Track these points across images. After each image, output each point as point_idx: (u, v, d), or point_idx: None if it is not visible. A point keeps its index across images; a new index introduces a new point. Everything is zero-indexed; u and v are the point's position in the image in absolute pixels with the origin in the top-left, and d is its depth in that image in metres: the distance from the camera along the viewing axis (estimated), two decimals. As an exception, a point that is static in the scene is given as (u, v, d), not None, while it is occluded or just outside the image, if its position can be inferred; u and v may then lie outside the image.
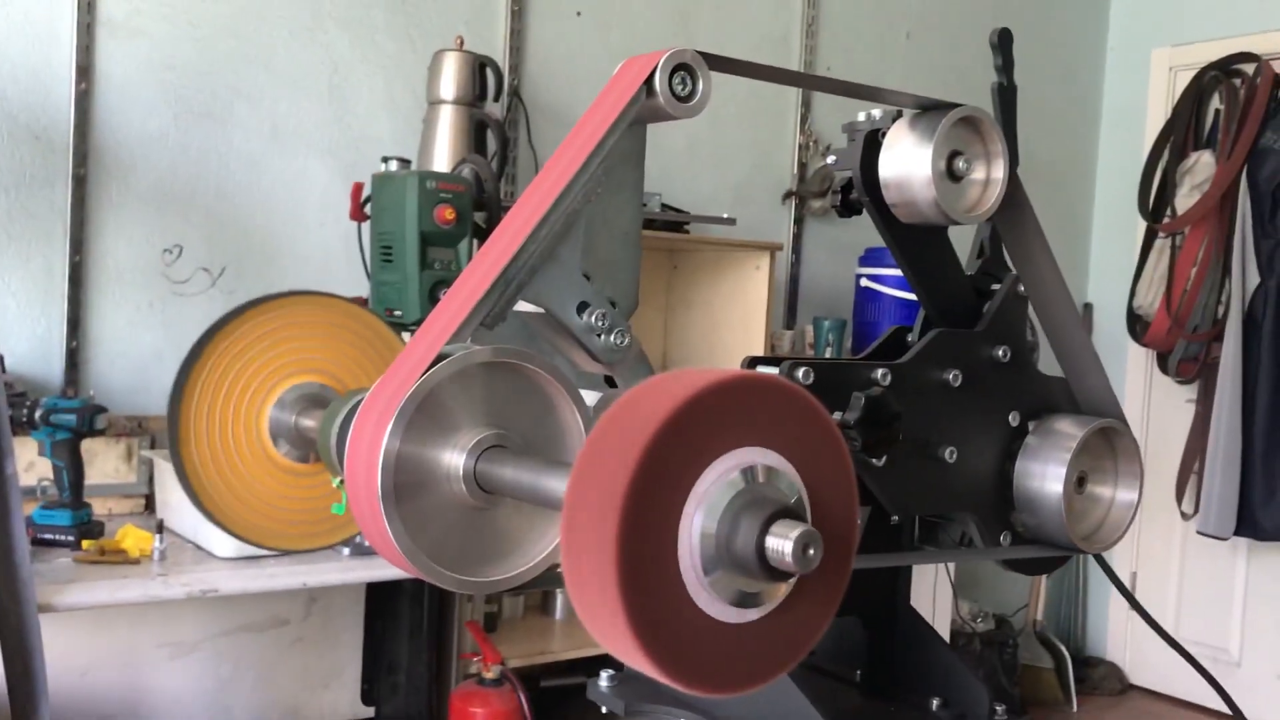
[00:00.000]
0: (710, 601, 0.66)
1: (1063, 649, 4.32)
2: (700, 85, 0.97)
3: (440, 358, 0.84)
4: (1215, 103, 4.15)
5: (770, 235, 3.70)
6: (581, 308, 0.99)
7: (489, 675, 2.63)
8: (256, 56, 2.87)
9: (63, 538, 2.20)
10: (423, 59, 3.05)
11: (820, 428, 0.70)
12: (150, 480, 2.56)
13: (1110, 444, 1.26)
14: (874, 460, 1.11)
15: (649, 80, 0.95)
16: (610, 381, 1.02)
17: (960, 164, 1.14)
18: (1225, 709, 1.47)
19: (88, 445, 2.35)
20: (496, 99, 3.01)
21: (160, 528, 2.22)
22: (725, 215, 3.33)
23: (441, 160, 2.88)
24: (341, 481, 0.98)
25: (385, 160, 2.54)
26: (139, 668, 2.63)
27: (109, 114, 2.69)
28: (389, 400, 0.84)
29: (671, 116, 0.97)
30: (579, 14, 3.37)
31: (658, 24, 3.53)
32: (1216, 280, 3.98)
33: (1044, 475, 1.21)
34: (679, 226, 3.22)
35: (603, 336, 1.00)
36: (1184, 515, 4.15)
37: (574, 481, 0.65)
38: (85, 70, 2.64)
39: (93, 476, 2.40)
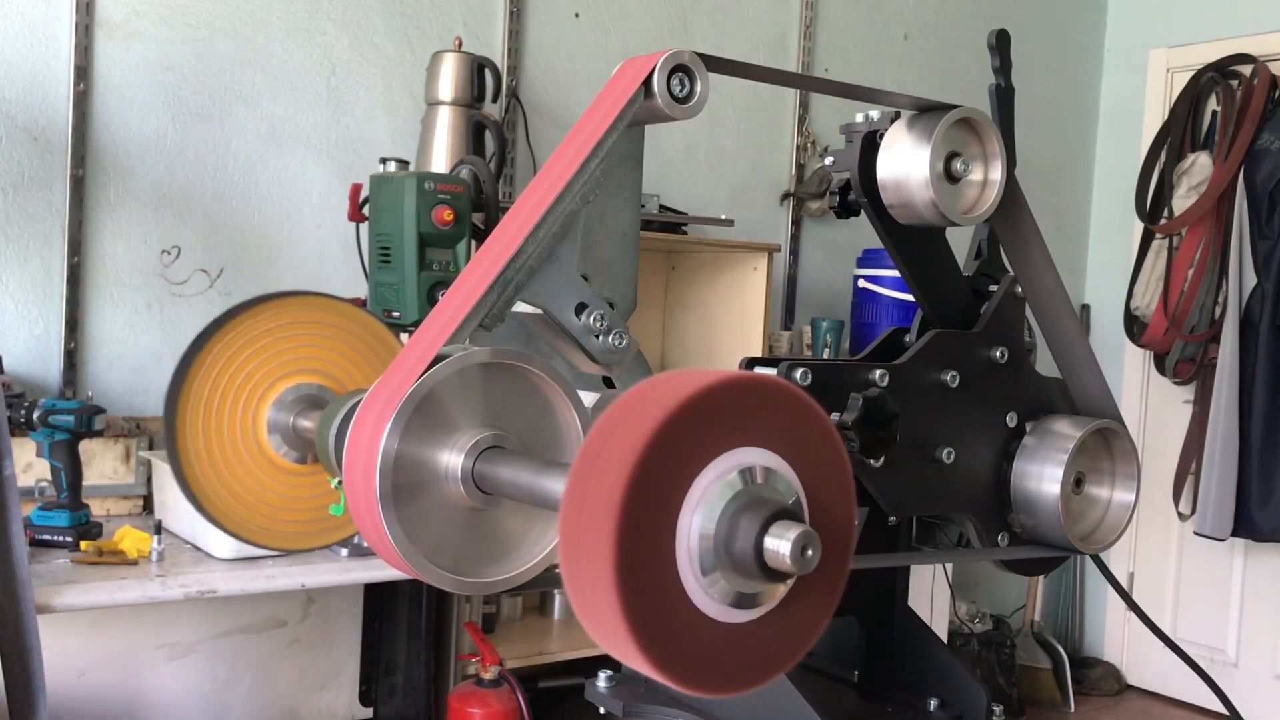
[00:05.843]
0: (708, 602, 0.66)
1: (1060, 650, 4.32)
2: (698, 86, 0.97)
3: (438, 358, 0.85)
4: (1212, 104, 4.15)
5: (768, 236, 3.70)
6: (580, 309, 0.99)
7: (487, 676, 2.63)
8: (254, 58, 2.87)
9: (61, 539, 2.20)
10: (421, 60, 3.05)
11: (818, 429, 0.70)
12: (148, 481, 2.56)
13: (1107, 445, 1.26)
14: (872, 461, 1.12)
15: (647, 81, 0.95)
16: (608, 382, 1.02)
17: (958, 165, 1.14)
18: (1223, 709, 1.48)
19: (86, 446, 2.35)
20: (495, 100, 3.01)
21: (158, 529, 2.22)
22: (723, 216, 3.33)
23: (440, 161, 2.88)
24: (340, 482, 0.98)
25: (383, 161, 2.54)
26: (137, 669, 2.63)
27: (107, 115, 2.69)
28: (387, 401, 0.84)
29: (669, 118, 0.97)
30: (577, 15, 3.38)
31: (656, 25, 3.53)
32: (1213, 281, 3.98)
33: (1041, 476, 1.22)
34: (677, 228, 3.22)
35: (601, 337, 1.00)
36: (1181, 516, 4.16)
37: (572, 482, 0.65)
38: (83, 71, 2.64)
39: (91, 477, 2.40)
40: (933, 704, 1.25)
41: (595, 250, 1.01)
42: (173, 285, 2.79)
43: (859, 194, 1.19)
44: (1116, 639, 4.59)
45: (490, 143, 2.91)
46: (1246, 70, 4.03)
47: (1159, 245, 4.16)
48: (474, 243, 2.49)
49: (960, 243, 1.27)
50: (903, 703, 1.27)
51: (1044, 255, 1.22)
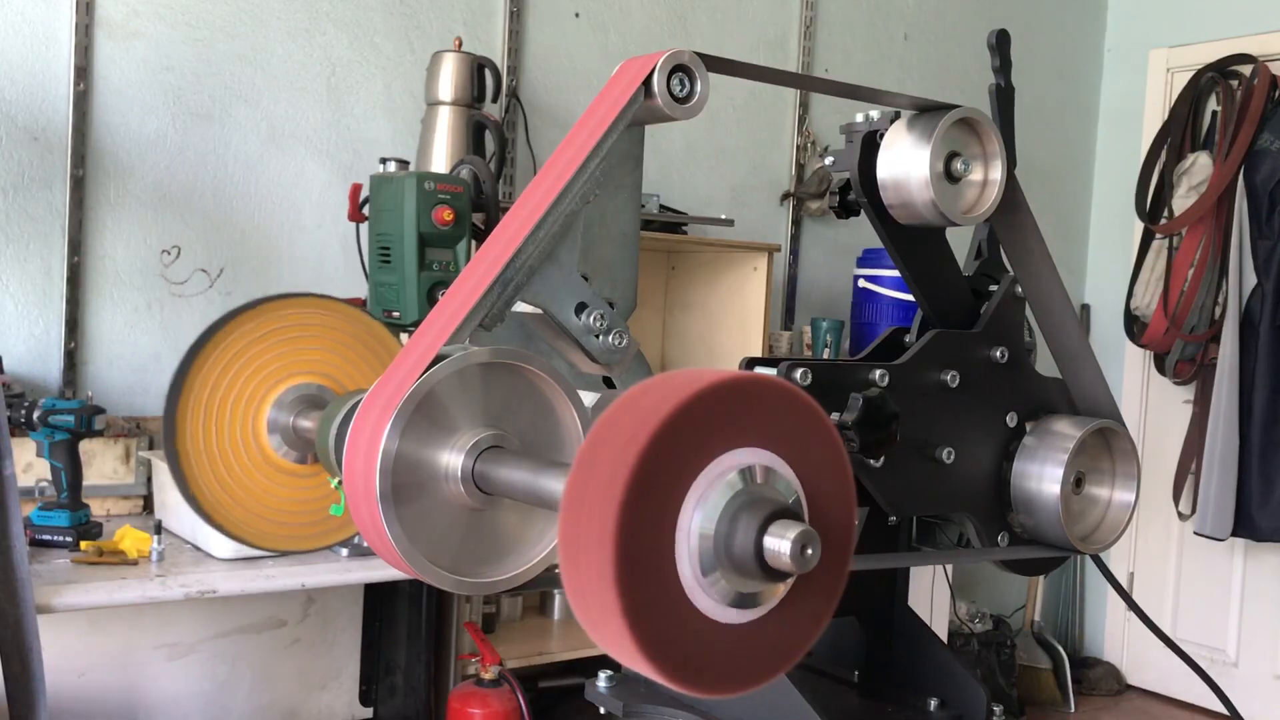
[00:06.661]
0: (708, 602, 0.66)
1: (1060, 650, 4.32)
2: (698, 86, 0.97)
3: (438, 358, 0.85)
4: (1212, 104, 4.15)
5: (768, 236, 3.70)
6: (580, 309, 0.99)
7: (487, 676, 2.63)
8: (254, 58, 2.87)
9: (61, 539, 2.20)
10: (421, 60, 3.05)
11: (818, 429, 0.70)
12: (148, 481, 2.56)
13: (1107, 445, 1.26)
14: (872, 461, 1.12)
15: (647, 81, 0.95)
16: (608, 382, 1.02)
17: (958, 165, 1.14)
18: (1223, 709, 1.48)
19: (86, 446, 2.35)
20: (495, 100, 3.01)
21: (158, 529, 2.21)
22: (723, 216, 3.33)
23: (440, 161, 2.88)
24: (340, 482, 0.98)
25: (383, 161, 2.54)
26: (137, 669, 2.63)
27: (107, 115, 2.69)
28: (387, 401, 0.84)
29: (669, 117, 0.97)
30: (577, 15, 3.38)
31: (656, 26, 3.53)
32: (1213, 281, 3.98)
33: (1041, 476, 1.22)
34: (677, 227, 3.22)
35: (601, 337, 1.00)
36: (1181, 516, 4.16)
37: (572, 482, 0.65)
38: (83, 71, 2.64)
39: (91, 477, 2.39)
40: (933, 704, 1.25)
41: (595, 250, 1.01)
42: (173, 285, 2.79)
43: (859, 194, 1.19)
44: (1116, 639, 4.59)
45: (490, 143, 2.91)
46: (1246, 70, 4.03)
47: (1159, 245, 4.16)
48: (474, 243, 2.49)
49: (960, 243, 1.27)
50: (903, 703, 1.27)
51: (1044, 255, 1.22)
